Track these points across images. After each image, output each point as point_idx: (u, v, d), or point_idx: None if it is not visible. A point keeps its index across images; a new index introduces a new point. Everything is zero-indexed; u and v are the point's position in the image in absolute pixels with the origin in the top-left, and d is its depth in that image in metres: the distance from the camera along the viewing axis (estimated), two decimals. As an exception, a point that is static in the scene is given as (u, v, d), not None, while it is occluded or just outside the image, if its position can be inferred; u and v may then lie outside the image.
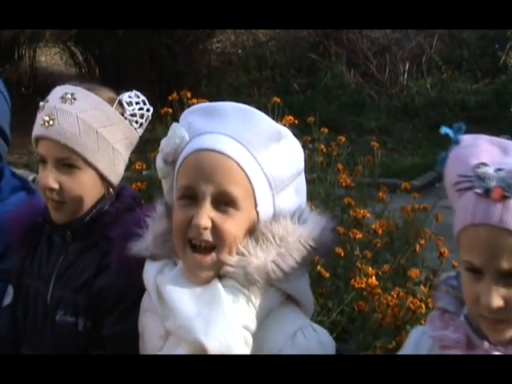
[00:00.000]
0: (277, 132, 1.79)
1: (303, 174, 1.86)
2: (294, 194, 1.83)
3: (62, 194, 2.10)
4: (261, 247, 1.73)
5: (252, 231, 1.75)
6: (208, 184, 1.71)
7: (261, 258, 1.71)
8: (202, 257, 1.74)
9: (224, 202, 1.72)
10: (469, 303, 1.59)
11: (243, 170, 1.72)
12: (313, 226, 1.78)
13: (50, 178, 2.09)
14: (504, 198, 1.50)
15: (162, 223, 1.87)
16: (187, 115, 1.86)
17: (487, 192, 1.51)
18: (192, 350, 1.68)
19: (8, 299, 2.26)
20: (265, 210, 1.77)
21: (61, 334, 2.11)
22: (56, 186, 2.09)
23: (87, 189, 2.13)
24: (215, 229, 1.72)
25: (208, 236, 1.73)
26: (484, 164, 1.56)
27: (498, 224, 1.50)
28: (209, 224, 1.71)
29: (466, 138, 1.65)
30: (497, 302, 1.51)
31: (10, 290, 2.26)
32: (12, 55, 12.53)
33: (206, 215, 1.71)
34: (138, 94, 2.21)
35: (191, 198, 1.74)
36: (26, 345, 2.20)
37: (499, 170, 1.53)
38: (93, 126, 2.10)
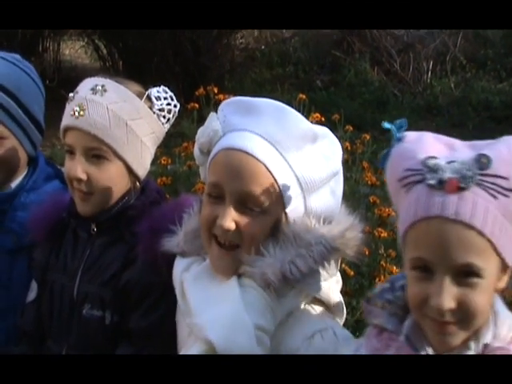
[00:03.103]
0: (312, 133, 1.78)
1: (340, 174, 1.85)
2: (329, 195, 1.82)
3: (89, 185, 2.11)
4: (280, 247, 1.71)
5: (275, 231, 1.74)
6: (234, 185, 1.72)
7: (278, 258, 1.70)
8: (226, 252, 1.75)
9: (249, 203, 1.72)
10: (415, 306, 1.50)
11: (271, 173, 1.72)
12: (337, 226, 1.77)
13: (79, 169, 2.10)
14: (459, 189, 1.43)
15: (195, 220, 1.89)
16: (224, 107, 1.86)
17: (441, 183, 1.44)
18: (204, 348, 1.67)
19: (32, 295, 2.28)
20: (294, 211, 1.76)
21: (87, 328, 2.12)
22: (84, 176, 2.09)
23: (115, 180, 2.13)
24: (239, 231, 1.73)
25: (232, 237, 1.74)
26: (434, 157, 1.49)
27: (453, 216, 1.42)
28: (232, 226, 1.72)
29: (410, 134, 1.60)
30: (448, 302, 1.43)
31: (34, 286, 2.28)
32: (36, 48, 12.55)
33: (230, 217, 1.72)
34: (166, 89, 2.22)
35: (218, 195, 1.75)
36: (51, 339, 2.22)
37: (452, 161, 1.47)
38: (123, 118, 2.11)
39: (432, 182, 1.46)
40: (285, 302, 1.73)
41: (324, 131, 1.83)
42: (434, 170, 1.47)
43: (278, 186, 1.72)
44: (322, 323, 1.77)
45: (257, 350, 1.64)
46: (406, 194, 1.51)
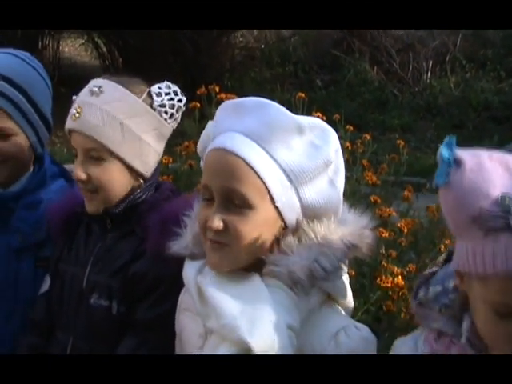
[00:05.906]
0: (295, 124, 1.73)
1: (339, 165, 1.81)
2: (328, 186, 1.77)
3: (92, 185, 2.14)
4: (304, 246, 1.71)
5: (294, 230, 1.74)
6: (217, 183, 1.72)
7: (304, 256, 1.70)
8: (217, 246, 1.74)
9: (235, 201, 1.71)
10: None
11: (252, 168, 1.70)
12: (353, 225, 1.77)
13: (78, 170, 2.13)
14: None
15: None
16: (218, 111, 1.86)
17: None
18: (236, 349, 1.66)
19: (45, 287, 2.32)
20: (287, 205, 1.74)
21: (94, 318, 2.15)
22: (83, 176, 2.13)
23: (115, 179, 2.16)
24: (228, 230, 1.71)
25: (222, 238, 1.73)
26: (509, 196, 1.34)
27: None
28: (220, 225, 1.71)
29: (468, 161, 1.40)
30: None
31: (47, 278, 2.32)
32: (36, 45, 12.57)
33: (218, 217, 1.71)
34: (170, 84, 2.21)
35: (210, 197, 1.75)
36: (60, 329, 2.25)
37: None
38: (117, 118, 2.12)
39: None
40: (308, 301, 1.73)
41: (314, 122, 1.78)
42: None
43: (262, 180, 1.70)
44: (343, 320, 1.79)
45: (289, 350, 1.65)
46: (487, 238, 1.37)
